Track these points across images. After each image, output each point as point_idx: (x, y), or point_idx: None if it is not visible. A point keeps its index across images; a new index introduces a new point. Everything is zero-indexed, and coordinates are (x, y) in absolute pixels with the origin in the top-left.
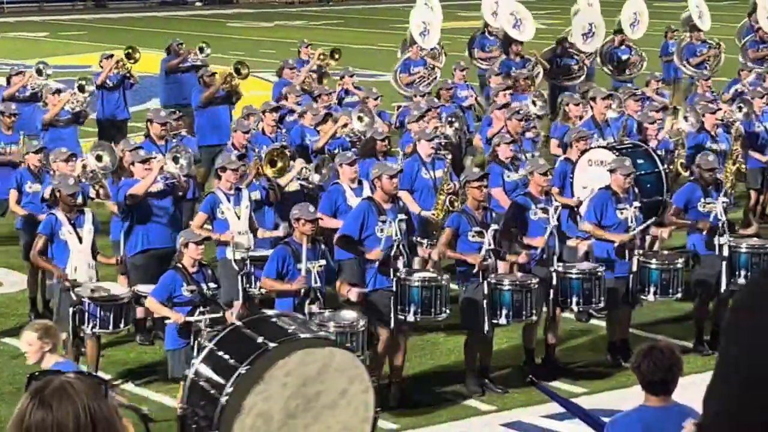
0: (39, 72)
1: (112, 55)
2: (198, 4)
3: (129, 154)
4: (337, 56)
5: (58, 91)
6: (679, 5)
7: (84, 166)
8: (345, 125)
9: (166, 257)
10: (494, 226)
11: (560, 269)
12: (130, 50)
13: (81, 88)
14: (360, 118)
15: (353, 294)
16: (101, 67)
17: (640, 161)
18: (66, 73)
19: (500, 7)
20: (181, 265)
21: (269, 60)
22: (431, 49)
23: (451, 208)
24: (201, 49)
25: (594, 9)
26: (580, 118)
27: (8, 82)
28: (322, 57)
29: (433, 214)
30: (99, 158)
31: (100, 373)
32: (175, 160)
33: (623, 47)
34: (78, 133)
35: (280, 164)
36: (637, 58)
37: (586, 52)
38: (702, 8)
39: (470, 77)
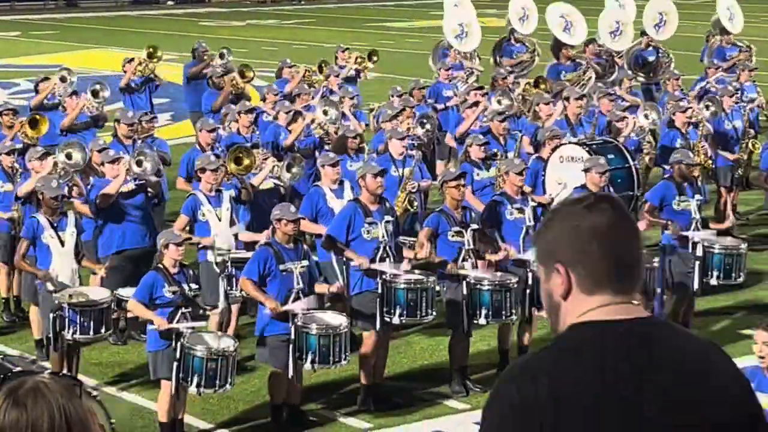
0: (63, 79)
1: (133, 59)
2: (170, 2)
3: (97, 154)
4: (375, 58)
5: (75, 93)
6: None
7: (55, 164)
8: (313, 121)
9: (140, 257)
10: (474, 226)
11: (536, 269)
12: (151, 50)
13: (95, 93)
14: (325, 112)
15: (333, 288)
16: (124, 71)
17: (610, 157)
18: (37, 72)
19: (530, 12)
20: (162, 266)
21: (242, 59)
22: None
23: (409, 207)
24: (222, 55)
25: (622, 8)
26: (550, 116)
27: (36, 90)
28: (359, 60)
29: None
30: (69, 156)
31: (81, 378)
32: (139, 163)
33: (649, 49)
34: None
35: (246, 162)
36: (665, 60)
37: (616, 51)
38: (733, 10)
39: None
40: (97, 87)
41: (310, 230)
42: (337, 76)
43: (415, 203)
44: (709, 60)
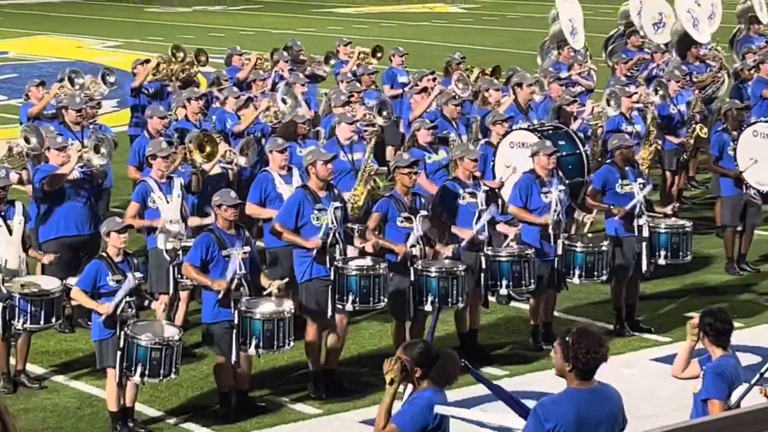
0: (71, 81)
1: (148, 61)
2: None
3: (47, 139)
4: (379, 54)
5: (43, 84)
6: None
7: (10, 149)
8: (268, 108)
9: (80, 245)
10: (423, 212)
11: (489, 252)
12: (175, 49)
13: (71, 81)
14: (284, 100)
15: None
16: (134, 73)
17: (561, 143)
18: None
19: (644, 7)
20: (105, 254)
21: (188, 45)
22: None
23: (375, 187)
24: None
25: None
26: (499, 103)
27: (27, 97)
28: (362, 56)
29: (353, 196)
30: (27, 140)
31: (28, 366)
32: (96, 149)
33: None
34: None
35: (208, 149)
36: (715, 54)
37: (659, 42)
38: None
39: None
40: (73, 75)
41: (258, 215)
42: (286, 61)
43: (379, 183)
44: (736, 50)
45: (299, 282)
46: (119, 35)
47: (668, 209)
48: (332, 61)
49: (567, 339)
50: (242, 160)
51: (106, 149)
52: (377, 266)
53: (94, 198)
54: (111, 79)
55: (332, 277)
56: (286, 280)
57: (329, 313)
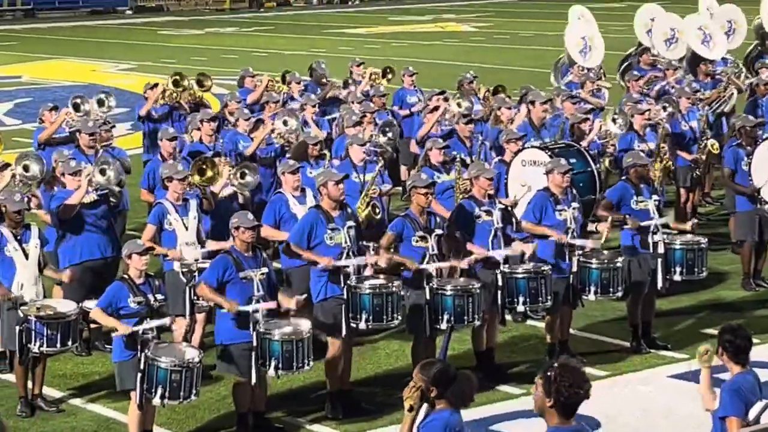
0: (76, 107)
1: (156, 84)
2: (128, 12)
3: (61, 165)
4: (390, 76)
5: (55, 108)
6: None
7: (14, 176)
8: (273, 130)
9: (102, 268)
10: (438, 231)
11: (506, 270)
12: (177, 77)
13: (76, 107)
14: (285, 122)
15: (293, 303)
16: (145, 97)
17: (572, 160)
18: None
19: (655, 24)
20: (127, 276)
21: (201, 67)
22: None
23: (372, 215)
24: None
25: (673, 16)
26: (512, 121)
27: (41, 121)
28: (374, 77)
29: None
30: (26, 168)
31: (45, 389)
32: (102, 172)
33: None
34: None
35: (209, 173)
36: (734, 69)
37: (671, 59)
38: None
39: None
40: (78, 101)
41: (274, 237)
42: (298, 83)
43: (378, 209)
44: (759, 65)
45: (315, 301)
46: (133, 58)
47: (688, 225)
48: (349, 88)
49: (549, 373)
50: (237, 183)
51: (112, 172)
52: (390, 284)
53: (113, 221)
54: (110, 102)
55: (345, 296)
56: (305, 296)
57: (343, 332)
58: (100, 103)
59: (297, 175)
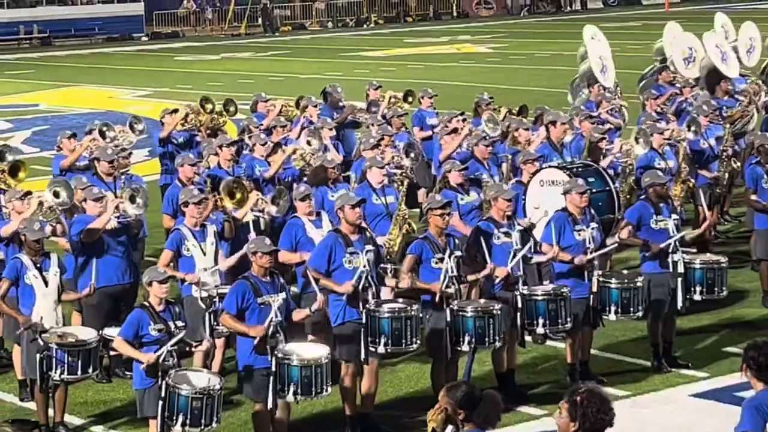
0: (102, 134)
1: (176, 110)
2: (144, 38)
3: (81, 191)
4: (410, 99)
5: (74, 136)
6: None
7: (41, 203)
8: (294, 151)
9: (121, 294)
10: (457, 253)
11: (525, 291)
12: (204, 101)
13: (101, 134)
14: (309, 142)
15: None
16: (162, 123)
17: (591, 180)
18: (16, 113)
19: (675, 43)
20: (147, 304)
21: (218, 93)
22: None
23: (411, 231)
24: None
25: (689, 35)
26: (529, 142)
27: (59, 148)
28: (394, 100)
29: (389, 240)
30: (56, 194)
31: (67, 417)
32: (132, 199)
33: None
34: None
35: (238, 195)
36: (754, 87)
37: (689, 77)
38: None
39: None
40: (104, 128)
41: (290, 261)
42: (315, 106)
43: (413, 225)
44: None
45: (333, 325)
46: (149, 85)
47: (702, 228)
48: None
49: (575, 398)
50: (273, 209)
51: (141, 199)
52: (409, 308)
53: (132, 247)
54: (139, 127)
55: (364, 320)
56: (319, 302)
57: (362, 356)
58: (132, 128)
59: (307, 202)
